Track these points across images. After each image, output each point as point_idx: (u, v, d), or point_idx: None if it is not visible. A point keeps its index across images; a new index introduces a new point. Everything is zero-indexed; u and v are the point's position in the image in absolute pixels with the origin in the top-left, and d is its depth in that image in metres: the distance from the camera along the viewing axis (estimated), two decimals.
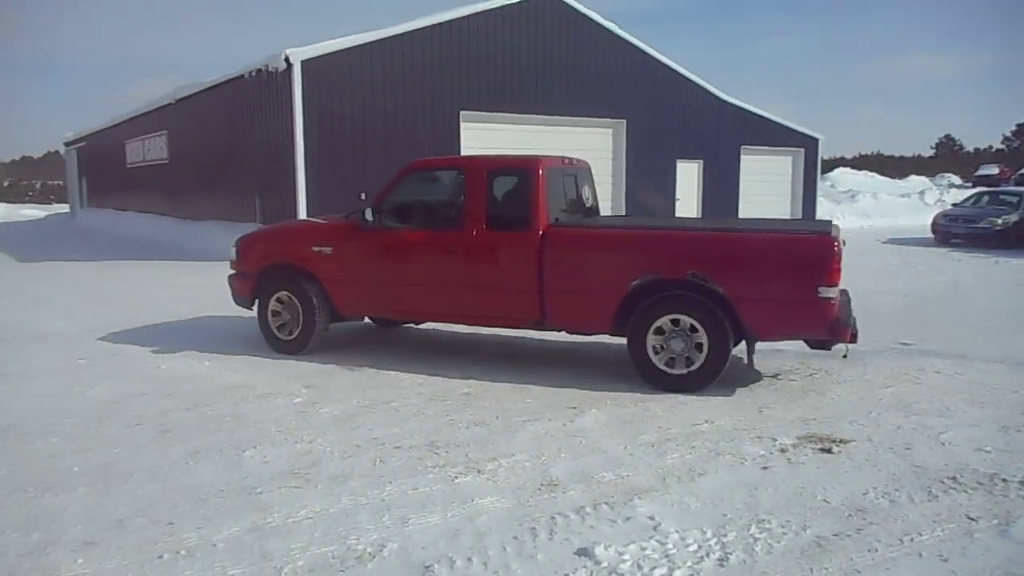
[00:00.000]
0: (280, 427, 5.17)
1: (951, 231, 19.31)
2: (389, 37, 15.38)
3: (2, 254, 19.46)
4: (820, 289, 5.43)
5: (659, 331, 5.88)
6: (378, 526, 3.71)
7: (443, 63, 16.12)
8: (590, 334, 6.76)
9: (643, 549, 3.47)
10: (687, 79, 20.48)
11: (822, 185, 28.00)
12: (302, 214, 14.05)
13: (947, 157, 67.61)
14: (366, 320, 8.24)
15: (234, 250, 7.74)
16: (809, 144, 23.73)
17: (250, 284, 7.46)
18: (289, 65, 14.14)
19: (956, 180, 46.10)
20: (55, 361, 7.13)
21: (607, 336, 6.52)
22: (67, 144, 34.39)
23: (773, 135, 22.69)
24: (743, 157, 22.04)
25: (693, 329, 5.78)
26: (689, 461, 4.55)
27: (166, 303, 10.20)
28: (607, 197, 19.52)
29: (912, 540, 3.58)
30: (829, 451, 4.70)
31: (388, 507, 3.92)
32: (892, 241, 20.44)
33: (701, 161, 21.13)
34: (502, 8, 16.93)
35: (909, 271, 14.03)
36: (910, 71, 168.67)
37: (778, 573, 3.29)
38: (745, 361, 6.06)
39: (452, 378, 6.39)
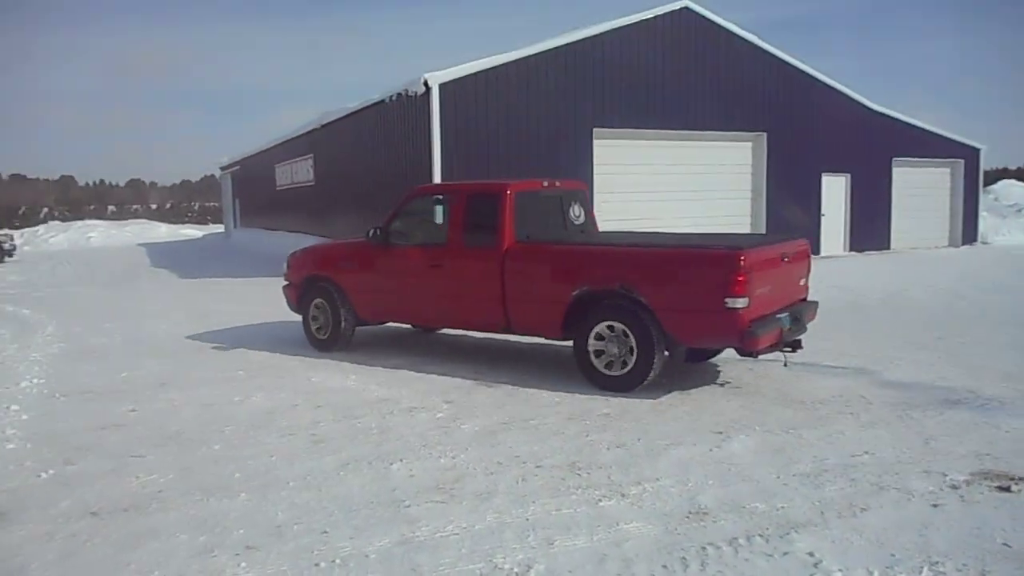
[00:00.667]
0: (424, 441, 5.27)
1: None
2: (523, 57, 15.57)
3: (166, 271, 21.17)
4: (727, 300, 5.81)
5: (599, 337, 6.49)
6: (524, 546, 3.68)
7: (576, 81, 16.16)
8: (548, 339, 7.33)
9: None
10: (831, 88, 19.57)
11: (985, 199, 25.88)
12: None
13: None
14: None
15: (286, 265, 9.04)
16: (969, 155, 22.09)
17: (296, 293, 8.80)
18: (428, 88, 14.58)
19: None
20: (216, 372, 7.63)
21: (750, 361, 6.52)
22: (222, 168, 37.05)
23: (928, 146, 21.27)
24: (895, 170, 20.78)
25: (626, 335, 6.34)
26: (849, 494, 4.25)
27: None
28: (746, 213, 18.93)
29: None
30: (1008, 489, 4.27)
31: (533, 527, 3.88)
32: None
33: (848, 175, 20.09)
34: (636, 24, 16.80)
35: None
36: None
37: None
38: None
39: (590, 397, 6.32)
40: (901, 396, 6.20)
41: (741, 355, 6.59)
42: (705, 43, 17.71)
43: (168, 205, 70.62)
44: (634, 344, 6.30)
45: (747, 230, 18.94)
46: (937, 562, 3.45)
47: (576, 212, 7.94)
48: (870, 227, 20.45)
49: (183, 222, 56.54)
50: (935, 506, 4.07)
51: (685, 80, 17.40)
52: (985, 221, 23.75)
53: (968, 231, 22.42)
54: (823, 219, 19.69)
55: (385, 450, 5.10)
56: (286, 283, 9.06)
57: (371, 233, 7.94)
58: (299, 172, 23.68)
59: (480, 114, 15.17)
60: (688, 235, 8.22)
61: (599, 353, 6.52)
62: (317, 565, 3.52)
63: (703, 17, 17.69)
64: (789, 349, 6.60)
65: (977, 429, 5.36)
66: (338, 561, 3.55)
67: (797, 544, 3.64)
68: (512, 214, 7.13)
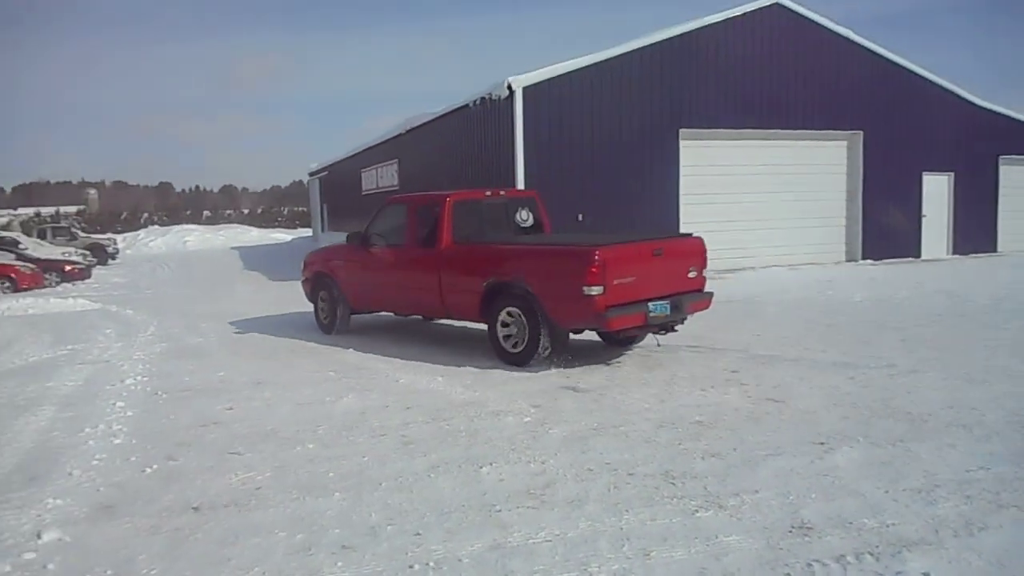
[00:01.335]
0: (513, 445, 5.23)
1: None
2: (607, 59, 15.41)
3: (257, 272, 21.90)
4: (584, 288, 6.97)
5: (504, 323, 7.81)
6: (618, 556, 3.58)
7: (661, 81, 15.91)
8: (472, 322, 8.67)
9: None
10: (932, 83, 18.65)
11: None
12: None
13: None
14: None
15: (303, 263, 10.83)
16: None
17: (309, 287, 10.61)
18: (511, 92, 14.60)
19: None
20: (310, 373, 7.81)
21: (849, 370, 5.97)
22: (311, 174, 38.17)
23: None
24: (1002, 168, 19.65)
25: (523, 318, 7.60)
26: (965, 512, 3.98)
27: (397, 320, 10.92)
28: (841, 215, 18.24)
29: None
30: None
31: (627, 537, 3.78)
32: None
33: (952, 174, 19.12)
34: (724, 21, 16.42)
35: None
36: None
37: None
38: None
39: (681, 404, 6.16)
40: (1018, 406, 5.80)
41: (601, 337, 8.36)
42: (796, 39, 17.17)
43: (259, 210, 73.24)
44: (525, 325, 7.57)
45: (841, 232, 18.28)
46: None
47: (523, 216, 9.19)
48: (975, 229, 19.40)
49: (273, 226, 58.53)
50: None
51: (776, 77, 16.91)
52: None
53: None
54: (924, 220, 18.79)
55: (474, 453, 5.09)
56: (303, 279, 10.75)
57: (348, 237, 9.77)
58: (384, 177, 24.15)
59: (564, 117, 15.09)
60: (577, 235, 9.83)
61: (507, 336, 7.81)
62: (411, 567, 3.52)
63: (795, 12, 17.17)
64: (663, 332, 7.87)
65: None
66: (432, 564, 3.54)
67: (911, 564, 3.41)
68: (450, 220, 8.47)
